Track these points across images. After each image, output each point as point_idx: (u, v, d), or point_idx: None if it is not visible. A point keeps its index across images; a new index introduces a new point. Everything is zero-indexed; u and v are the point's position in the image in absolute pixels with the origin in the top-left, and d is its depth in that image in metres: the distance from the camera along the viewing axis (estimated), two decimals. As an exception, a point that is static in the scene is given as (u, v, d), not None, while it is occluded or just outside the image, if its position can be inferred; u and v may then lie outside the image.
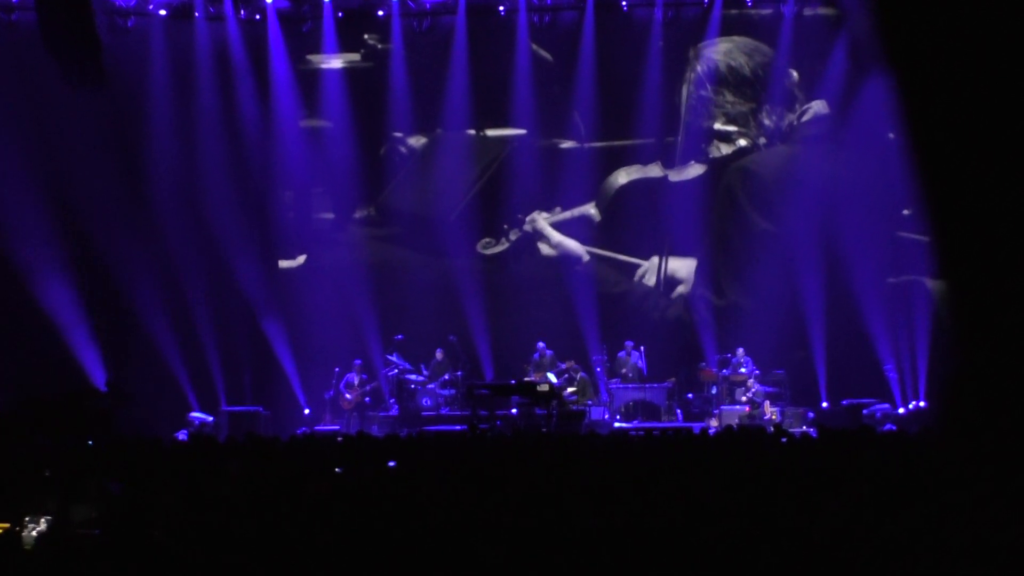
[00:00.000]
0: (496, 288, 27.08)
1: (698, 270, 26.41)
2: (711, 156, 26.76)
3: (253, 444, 13.59)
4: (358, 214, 27.69)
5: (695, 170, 26.76)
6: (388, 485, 8.85)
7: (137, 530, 7.21)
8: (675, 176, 26.84)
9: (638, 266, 26.96)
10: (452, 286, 26.60)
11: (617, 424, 23.75)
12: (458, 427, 22.04)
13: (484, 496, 8.08)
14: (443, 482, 8.90)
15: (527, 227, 27.25)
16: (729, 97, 26.75)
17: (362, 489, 8.72)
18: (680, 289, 26.74)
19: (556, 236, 27.19)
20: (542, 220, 27.16)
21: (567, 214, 27.16)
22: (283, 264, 27.42)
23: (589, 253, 27.01)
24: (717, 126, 26.76)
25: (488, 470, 9.76)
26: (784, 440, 13.73)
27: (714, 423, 23.18)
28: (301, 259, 27.58)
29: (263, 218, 26.89)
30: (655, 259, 26.89)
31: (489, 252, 27.39)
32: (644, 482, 8.77)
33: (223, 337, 25.90)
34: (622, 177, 27.04)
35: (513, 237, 27.31)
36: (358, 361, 25.24)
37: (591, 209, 27.11)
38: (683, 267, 26.74)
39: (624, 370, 25.01)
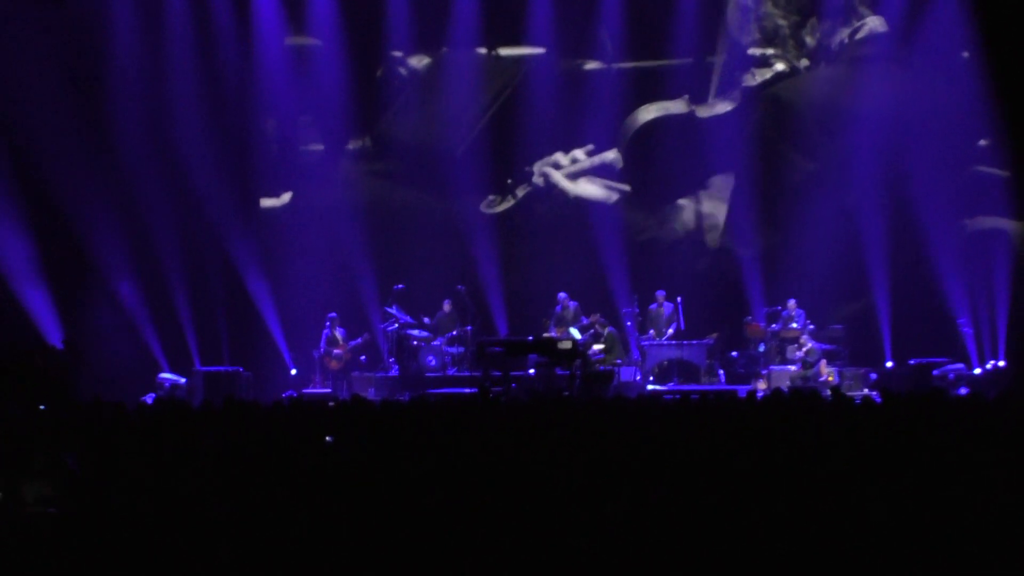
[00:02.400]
0: (511, 232, 27.01)
1: (742, 211, 26.27)
2: (744, 84, 26.58)
3: (232, 409, 13.60)
4: (351, 146, 27.62)
5: (726, 104, 26.59)
6: (386, 457, 8.83)
7: (97, 509, 7.20)
8: (703, 112, 26.68)
9: (670, 208, 26.86)
10: (460, 229, 26.57)
11: (650, 387, 23.76)
12: (467, 390, 22.06)
13: (496, 470, 8.06)
14: (449, 454, 8.88)
15: (537, 179, 27.14)
16: (772, 7, 26.54)
17: (356, 462, 8.70)
18: (716, 234, 26.66)
19: (573, 187, 27.09)
20: (556, 174, 27.03)
21: (585, 163, 27.05)
22: (265, 203, 27.39)
23: (617, 192, 26.92)
24: (753, 50, 26.55)
25: (501, 440, 9.75)
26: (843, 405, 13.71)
27: (762, 386, 23.16)
28: (286, 198, 27.54)
29: (242, 151, 26.81)
30: (687, 202, 26.80)
31: (494, 211, 27.32)
32: (681, 454, 8.74)
33: (197, 288, 25.90)
34: (644, 115, 26.89)
35: (520, 193, 27.21)
36: (333, 314, 25.23)
37: (611, 155, 26.99)
38: (719, 210, 26.65)
39: (658, 324, 25.01)
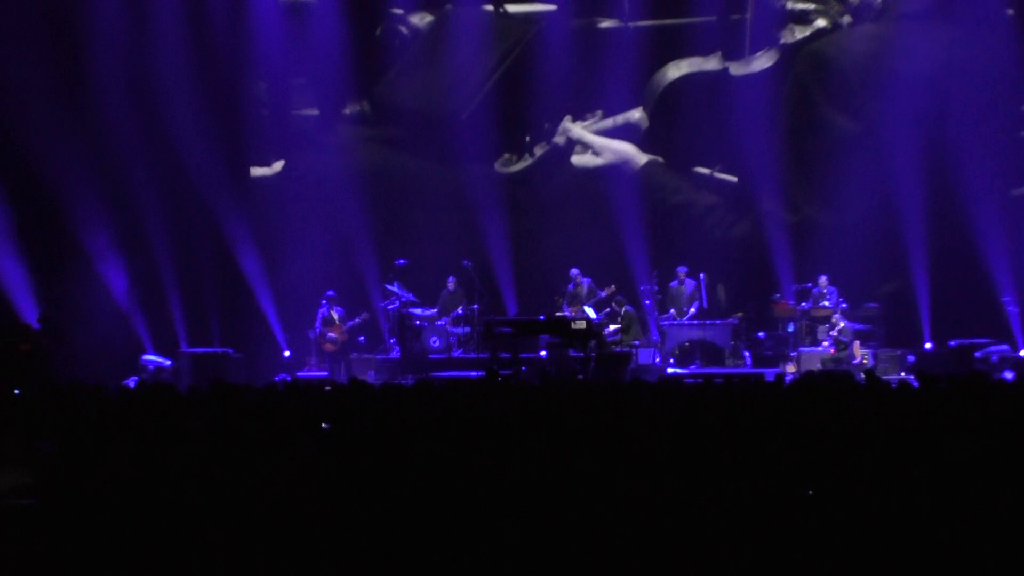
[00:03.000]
0: (521, 202, 27.02)
1: (770, 181, 26.21)
2: (783, 42, 26.51)
3: (221, 394, 13.60)
4: (348, 110, 27.62)
5: (762, 61, 26.53)
6: (386, 446, 8.83)
7: (76, 500, 7.20)
8: (738, 69, 26.60)
9: (693, 176, 26.83)
10: (466, 200, 26.56)
11: (670, 370, 23.76)
12: (474, 373, 22.05)
13: (506, 460, 8.05)
14: (454, 442, 8.88)
15: (558, 138, 27.10)
16: (813, -40, 26.53)
17: (354, 450, 8.71)
18: (744, 203, 26.63)
19: (598, 140, 27.06)
20: (578, 128, 27.01)
21: (607, 121, 27.01)
22: (256, 172, 27.40)
23: (639, 156, 26.89)
24: (791, 4, 26.49)
25: (510, 427, 9.74)
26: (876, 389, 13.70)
27: (791, 369, 23.15)
28: (278, 166, 27.57)
29: (231, 117, 26.78)
30: (714, 167, 26.77)
31: (509, 170, 27.30)
32: (703, 442, 8.73)
33: (183, 263, 25.91)
34: (674, 71, 26.82)
35: (539, 152, 27.18)
36: (331, 292, 25.25)
37: (636, 115, 26.95)
38: (749, 176, 26.58)
39: (679, 303, 25.01)
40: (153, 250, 25.69)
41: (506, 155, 27.23)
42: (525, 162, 27.28)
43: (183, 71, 26.02)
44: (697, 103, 26.48)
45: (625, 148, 26.98)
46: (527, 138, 27.18)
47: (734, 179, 26.76)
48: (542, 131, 27.14)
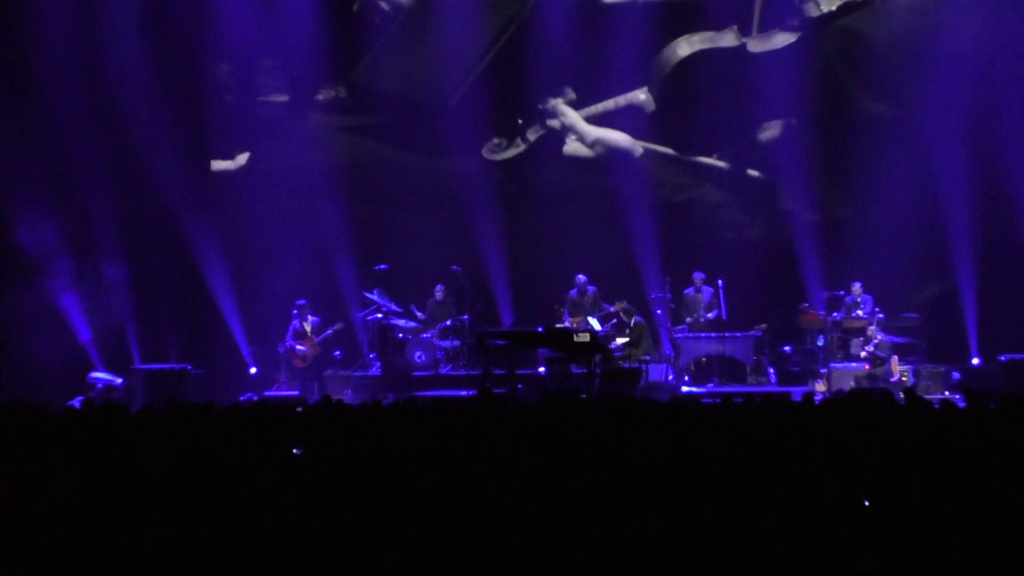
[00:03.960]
0: (517, 199, 27.05)
1: (800, 170, 26.19)
2: (807, 15, 26.54)
3: (178, 415, 13.60)
4: (322, 96, 27.62)
5: (785, 37, 26.55)
6: (365, 474, 8.82)
7: (13, 532, 7.19)
8: (757, 45, 26.62)
9: (707, 167, 26.84)
10: (455, 197, 26.60)
11: (685, 388, 23.77)
12: (464, 392, 22.07)
13: (499, 490, 8.05)
14: (442, 469, 8.87)
15: (553, 122, 27.12)
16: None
17: (329, 479, 8.70)
18: (766, 199, 26.66)
19: (593, 131, 27.07)
20: (572, 113, 27.02)
21: (608, 103, 27.03)
22: (217, 166, 27.40)
23: (644, 148, 26.90)
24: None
25: (505, 453, 9.73)
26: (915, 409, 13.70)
27: (820, 387, 23.18)
28: (242, 159, 27.59)
29: (190, 103, 26.73)
30: (732, 157, 26.80)
31: (499, 157, 27.31)
32: (722, 470, 8.72)
33: (136, 269, 25.85)
34: (684, 48, 26.85)
35: (532, 137, 27.20)
36: (302, 301, 25.23)
37: (641, 95, 26.97)
38: (772, 167, 26.62)
39: (695, 312, 25.03)
40: (103, 254, 25.60)
41: (495, 140, 27.21)
42: (517, 148, 27.27)
43: (135, 52, 25.93)
44: (710, 84, 26.49)
45: (618, 139, 26.97)
46: (519, 121, 27.14)
47: (755, 173, 26.73)
48: (536, 113, 27.10)
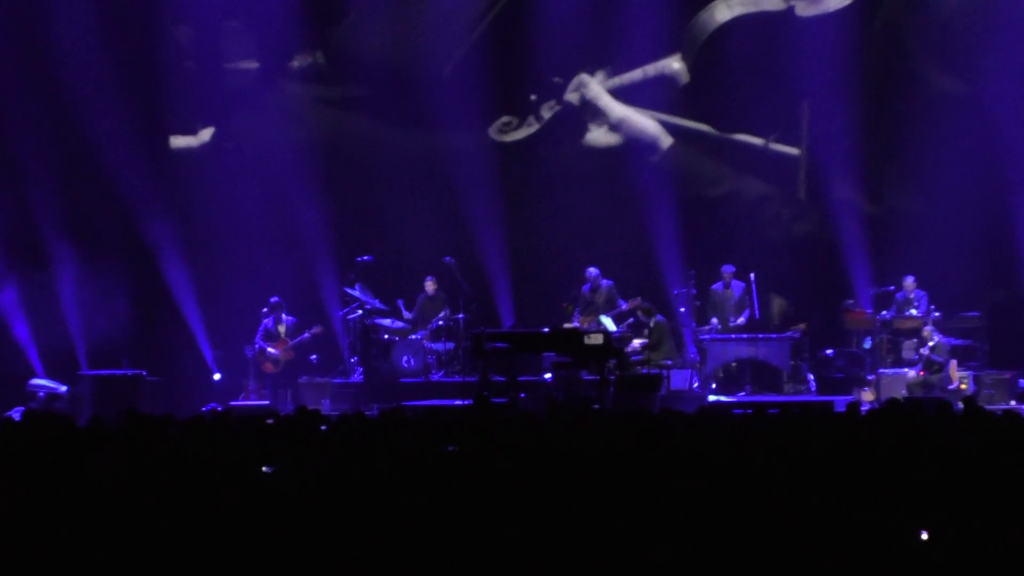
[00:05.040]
0: (521, 184, 27.06)
1: (849, 151, 26.16)
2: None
3: (132, 427, 13.60)
4: (297, 63, 27.65)
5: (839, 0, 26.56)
6: (345, 494, 8.81)
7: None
8: (806, 9, 26.62)
9: (749, 145, 26.83)
10: (449, 178, 26.63)
11: (712, 397, 23.76)
12: (459, 401, 22.11)
13: (499, 512, 8.02)
14: (432, 488, 8.85)
15: (570, 96, 27.12)
16: None
17: (304, 499, 8.68)
18: (808, 184, 26.67)
19: (619, 108, 27.09)
20: (596, 85, 27.04)
21: (636, 73, 27.04)
22: (178, 143, 27.43)
23: (673, 132, 26.90)
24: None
25: (505, 470, 9.71)
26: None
27: (868, 396, 23.17)
28: (206, 135, 27.62)
29: (146, 71, 26.78)
30: (772, 136, 26.81)
31: (509, 138, 27.33)
32: (754, 490, 8.70)
33: (84, 261, 25.85)
34: (723, 12, 26.86)
35: (547, 115, 27.20)
36: (274, 298, 25.18)
37: (674, 64, 26.99)
38: (817, 148, 26.62)
39: (724, 311, 25.05)
40: (46, 245, 25.65)
41: (505, 118, 27.21)
42: (529, 128, 27.28)
43: (83, 14, 25.94)
44: (752, 52, 26.50)
45: (646, 126, 26.95)
46: (532, 96, 27.14)
47: (796, 151, 26.70)
48: (551, 88, 27.08)
